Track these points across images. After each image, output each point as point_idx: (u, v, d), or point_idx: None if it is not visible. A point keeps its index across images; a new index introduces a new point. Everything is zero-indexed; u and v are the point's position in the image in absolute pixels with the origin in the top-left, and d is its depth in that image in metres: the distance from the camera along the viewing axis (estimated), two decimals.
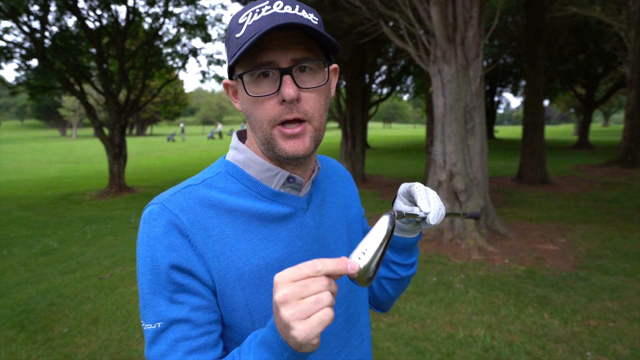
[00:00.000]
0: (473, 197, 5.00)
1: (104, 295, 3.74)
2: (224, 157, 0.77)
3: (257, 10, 0.64)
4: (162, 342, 0.63)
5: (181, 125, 37.99)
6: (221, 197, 0.69)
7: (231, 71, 0.70)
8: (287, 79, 0.64)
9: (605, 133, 35.40)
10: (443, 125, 5.12)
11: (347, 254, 0.79)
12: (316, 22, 0.67)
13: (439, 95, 5.14)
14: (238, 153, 0.74)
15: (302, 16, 0.65)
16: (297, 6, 0.66)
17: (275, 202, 0.72)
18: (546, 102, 33.20)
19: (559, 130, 46.62)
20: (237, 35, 0.65)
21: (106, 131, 9.41)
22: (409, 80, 21.61)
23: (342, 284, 0.79)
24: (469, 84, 4.99)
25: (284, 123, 0.66)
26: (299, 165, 0.73)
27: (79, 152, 24.58)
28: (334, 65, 0.74)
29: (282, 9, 0.64)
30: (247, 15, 0.65)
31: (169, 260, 0.63)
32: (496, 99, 28.33)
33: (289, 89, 0.63)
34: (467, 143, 5.06)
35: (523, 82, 23.67)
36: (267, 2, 0.65)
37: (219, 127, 38.07)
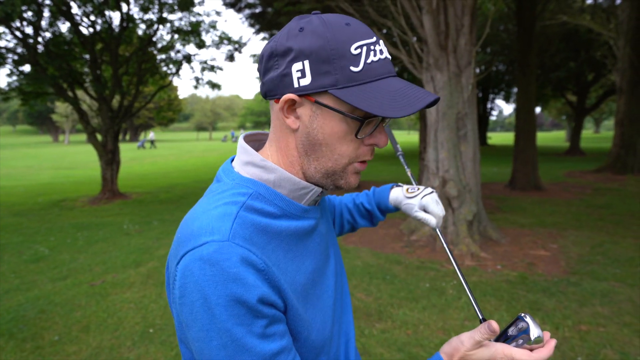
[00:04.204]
0: (466, 203, 5.03)
1: (95, 303, 3.71)
2: (239, 174, 0.71)
3: (371, 47, 0.64)
4: None
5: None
6: (265, 222, 0.66)
7: (305, 89, 0.64)
8: (382, 126, 0.68)
9: (596, 140, 35.78)
10: (436, 132, 5.16)
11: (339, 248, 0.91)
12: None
13: None
14: (266, 172, 0.70)
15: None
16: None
17: (303, 218, 0.73)
18: (538, 109, 33.55)
19: (551, 137, 47.05)
20: (355, 69, 0.63)
21: (99, 137, 9.37)
22: None
23: (334, 272, 0.82)
24: (461, 91, 5.03)
25: (362, 161, 0.70)
26: None
27: (71, 158, 24.43)
28: None
29: (385, 52, 0.67)
30: (362, 48, 0.63)
31: (254, 296, 0.59)
32: (489, 105, 28.58)
33: (385, 138, 0.68)
34: (460, 149, 5.10)
35: (515, 89, 23.90)
36: (374, 39, 0.65)
37: (151, 135, 36.18)
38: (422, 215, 0.99)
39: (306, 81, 0.63)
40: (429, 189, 1.03)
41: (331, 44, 0.62)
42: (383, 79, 0.64)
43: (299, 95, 0.65)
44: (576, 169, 13.45)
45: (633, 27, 11.39)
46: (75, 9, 9.53)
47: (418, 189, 1.03)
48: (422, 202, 1.00)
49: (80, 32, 8.78)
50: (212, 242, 0.59)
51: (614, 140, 12.18)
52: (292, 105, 0.66)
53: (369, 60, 0.63)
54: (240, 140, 0.76)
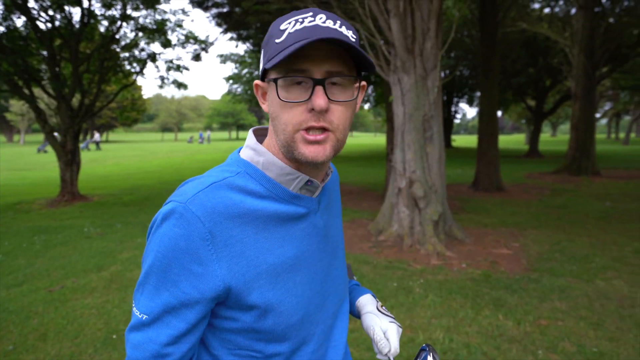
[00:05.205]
0: (432, 203, 5.14)
1: (53, 309, 3.54)
2: (239, 155, 0.78)
3: (300, 20, 0.67)
4: (143, 332, 0.68)
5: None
6: (242, 198, 0.71)
7: (264, 74, 0.73)
8: (319, 89, 0.66)
9: (553, 143, 37.44)
10: (403, 134, 5.25)
11: (344, 251, 0.93)
12: (354, 40, 0.69)
13: (398, 104, 5.27)
14: (257, 155, 0.75)
15: (341, 32, 0.67)
16: (339, 22, 0.68)
17: (291, 204, 0.75)
18: (499, 113, 34.73)
19: (512, 140, 48.86)
20: (277, 41, 0.67)
21: (58, 137, 8.97)
22: (369, 90, 22.02)
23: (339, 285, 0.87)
24: (427, 93, 5.15)
25: (308, 129, 0.68)
26: (316, 168, 0.75)
27: (27, 159, 23.28)
28: (363, 83, 0.76)
29: (324, 22, 0.66)
30: (290, 23, 0.67)
31: (187, 257, 0.66)
32: (453, 109, 29.34)
33: (320, 100, 0.66)
34: (426, 151, 5.21)
35: (478, 93, 24.69)
36: (311, 13, 0.67)
37: (96, 136, 34.16)
38: (381, 336, 0.88)
39: (260, 67, 0.73)
40: (398, 324, 0.95)
41: (270, 28, 0.70)
42: (299, 42, 0.64)
43: (262, 81, 0.74)
44: (535, 170, 14.02)
45: (586, 37, 11.99)
46: (31, 3, 9.12)
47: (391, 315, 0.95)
48: (389, 326, 0.90)
49: (37, 27, 8.38)
50: (172, 202, 0.68)
51: (569, 143, 12.79)
52: (264, 93, 0.75)
53: (292, 30, 0.66)
54: (251, 129, 0.84)
